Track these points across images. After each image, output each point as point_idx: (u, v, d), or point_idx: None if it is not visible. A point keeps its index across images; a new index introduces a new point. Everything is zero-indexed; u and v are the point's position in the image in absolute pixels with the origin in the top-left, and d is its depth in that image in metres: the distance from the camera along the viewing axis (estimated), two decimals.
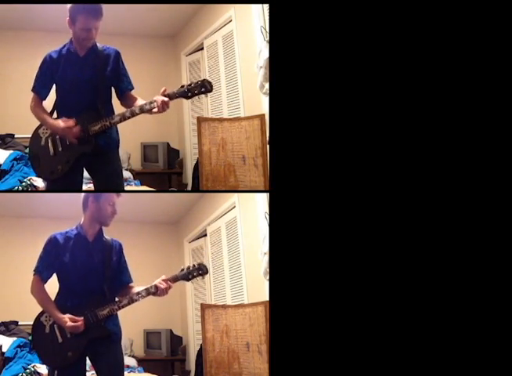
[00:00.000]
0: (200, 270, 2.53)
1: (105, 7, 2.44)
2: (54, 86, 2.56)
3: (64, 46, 2.54)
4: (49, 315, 2.45)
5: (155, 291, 2.46)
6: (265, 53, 2.85)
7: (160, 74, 4.41)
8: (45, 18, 3.86)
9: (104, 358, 2.43)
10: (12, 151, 3.83)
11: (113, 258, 2.51)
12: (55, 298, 2.47)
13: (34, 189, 3.59)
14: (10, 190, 3.62)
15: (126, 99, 2.58)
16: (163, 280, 2.47)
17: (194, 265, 2.56)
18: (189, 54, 4.35)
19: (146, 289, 2.47)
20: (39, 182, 3.59)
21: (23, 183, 3.60)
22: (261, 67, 2.93)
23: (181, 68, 4.46)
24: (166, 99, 2.41)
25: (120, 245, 2.56)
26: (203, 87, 2.45)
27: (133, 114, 2.48)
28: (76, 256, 2.47)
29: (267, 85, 2.85)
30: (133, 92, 2.58)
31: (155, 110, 2.45)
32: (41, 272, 2.47)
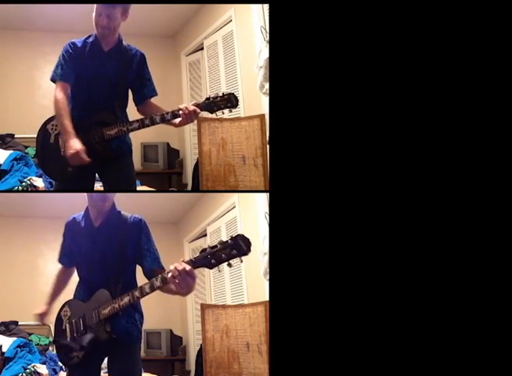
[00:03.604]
0: (229, 103, 2.30)
1: None
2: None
3: (89, 37, 2.43)
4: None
5: (161, 285, 1.99)
6: (265, 53, 2.85)
7: (160, 74, 4.40)
8: (45, 18, 3.86)
9: (118, 362, 2.24)
10: (12, 151, 3.82)
11: (130, 241, 2.24)
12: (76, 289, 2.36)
13: (34, 189, 3.59)
14: (10, 190, 3.62)
15: (145, 105, 2.47)
16: (175, 267, 1.88)
17: (227, 242, 1.83)
18: (189, 54, 4.36)
19: (150, 283, 2.04)
20: (39, 182, 3.60)
21: (23, 183, 3.60)
22: (261, 67, 2.93)
23: (181, 68, 4.46)
24: (197, 109, 2.30)
25: (139, 223, 2.27)
26: (230, 102, 2.35)
27: (153, 123, 2.35)
28: (81, 244, 2.30)
29: (267, 85, 2.85)
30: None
31: (178, 120, 2.33)
32: (62, 260, 2.40)
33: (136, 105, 2.50)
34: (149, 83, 2.49)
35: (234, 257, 1.81)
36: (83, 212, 2.36)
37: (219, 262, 1.82)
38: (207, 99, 2.36)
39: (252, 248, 1.83)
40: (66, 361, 2.32)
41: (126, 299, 2.12)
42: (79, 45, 2.41)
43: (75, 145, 2.30)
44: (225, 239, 1.84)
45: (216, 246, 1.84)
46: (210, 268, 1.84)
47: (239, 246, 1.80)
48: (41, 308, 2.42)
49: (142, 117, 2.41)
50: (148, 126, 2.36)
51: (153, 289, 2.04)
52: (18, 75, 4.19)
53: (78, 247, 2.32)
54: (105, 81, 2.39)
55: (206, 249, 1.85)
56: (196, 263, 1.87)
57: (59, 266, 2.44)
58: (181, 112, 2.31)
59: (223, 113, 2.38)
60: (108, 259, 2.24)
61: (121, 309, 2.14)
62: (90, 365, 2.28)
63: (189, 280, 1.88)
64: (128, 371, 2.24)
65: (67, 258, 2.39)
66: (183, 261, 1.89)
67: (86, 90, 2.40)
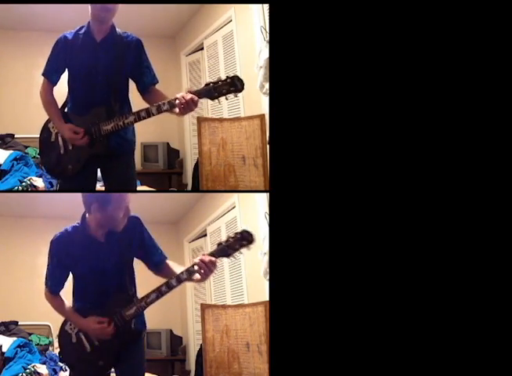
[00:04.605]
0: (245, 240, 2.15)
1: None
2: (66, 76, 2.37)
3: (81, 28, 2.34)
4: (72, 322, 2.23)
5: (188, 277, 2.14)
6: (265, 53, 2.84)
7: (160, 74, 4.40)
8: (45, 18, 3.86)
9: (128, 359, 2.22)
10: (12, 151, 3.82)
11: (135, 246, 2.24)
12: (72, 302, 2.28)
13: (34, 189, 3.59)
14: (10, 190, 3.62)
15: (150, 94, 2.35)
16: (201, 260, 2.11)
17: (236, 235, 2.14)
18: (189, 54, 4.35)
19: (177, 277, 2.15)
20: (39, 182, 3.60)
21: (23, 183, 3.60)
22: (261, 67, 2.93)
23: (181, 68, 4.46)
24: (194, 97, 2.14)
25: (140, 223, 2.25)
26: (233, 86, 2.18)
27: (149, 115, 2.22)
28: (86, 257, 2.20)
29: (267, 85, 2.85)
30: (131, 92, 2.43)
31: (176, 110, 2.20)
32: (52, 286, 2.26)
33: (141, 95, 2.40)
34: (148, 70, 2.38)
35: (244, 246, 2.14)
36: (72, 227, 2.26)
37: (235, 251, 2.14)
38: (207, 84, 2.21)
39: (253, 246, 2.21)
40: (90, 374, 2.23)
41: (153, 296, 2.17)
42: (69, 37, 2.34)
43: (66, 130, 2.31)
44: (232, 234, 2.18)
45: (228, 240, 2.14)
46: (228, 257, 2.15)
47: (246, 238, 2.14)
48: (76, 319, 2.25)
49: (138, 109, 2.30)
50: (144, 118, 2.24)
51: (180, 282, 2.16)
52: (18, 75, 4.18)
53: (82, 261, 2.22)
54: (100, 73, 2.30)
55: (221, 243, 2.15)
56: (215, 255, 2.14)
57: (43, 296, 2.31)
58: (177, 101, 2.18)
59: (227, 98, 2.22)
60: (121, 264, 2.23)
61: (148, 306, 2.18)
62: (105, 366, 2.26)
63: (213, 269, 2.13)
64: (138, 366, 2.27)
65: (63, 281, 2.26)
66: (205, 254, 2.14)
67: (82, 84, 2.33)
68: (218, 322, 3.41)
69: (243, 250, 2.16)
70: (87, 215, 2.23)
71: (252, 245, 2.16)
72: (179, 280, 2.16)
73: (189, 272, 2.15)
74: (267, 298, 2.85)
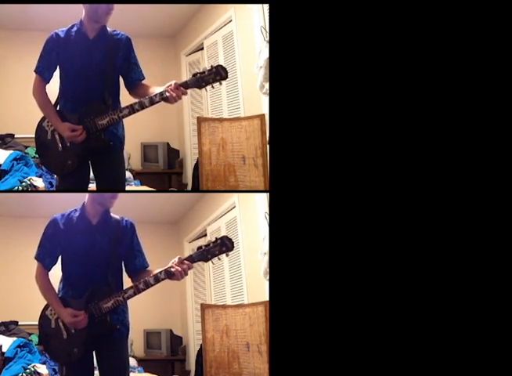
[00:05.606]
0: (224, 246, 2.26)
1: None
2: (58, 73, 2.41)
3: (73, 26, 2.39)
4: (52, 308, 2.33)
5: (165, 277, 2.25)
6: (265, 53, 2.85)
7: (160, 74, 4.40)
8: (44, 18, 3.86)
9: (107, 357, 2.31)
10: (12, 151, 3.82)
11: (123, 241, 2.36)
12: (59, 288, 2.36)
13: (34, 189, 3.59)
14: (10, 190, 3.62)
15: (137, 89, 2.43)
16: (178, 263, 2.25)
17: (216, 240, 2.27)
18: (189, 54, 4.35)
19: (154, 276, 2.27)
20: (39, 182, 3.59)
21: (23, 183, 3.60)
22: (261, 67, 2.93)
23: (181, 68, 4.46)
24: (183, 89, 2.29)
25: (132, 225, 2.39)
26: (218, 74, 2.32)
27: (143, 107, 2.32)
28: (77, 241, 2.33)
29: (267, 85, 2.85)
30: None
31: (167, 100, 2.31)
32: (43, 260, 2.36)
33: (128, 90, 2.47)
34: (136, 66, 2.45)
35: (223, 252, 2.26)
36: (71, 211, 2.39)
37: (213, 256, 2.27)
38: (194, 75, 2.36)
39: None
40: (64, 359, 2.32)
41: (131, 291, 2.28)
42: (62, 35, 2.39)
43: (64, 130, 2.36)
44: (213, 239, 2.30)
45: (209, 244, 2.27)
46: (206, 261, 2.28)
47: (226, 244, 2.27)
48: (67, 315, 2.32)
49: (131, 103, 2.38)
50: (138, 111, 2.34)
51: (157, 281, 2.27)
52: (18, 75, 4.18)
53: (71, 245, 2.34)
54: (93, 69, 2.36)
55: (201, 247, 2.29)
56: (194, 258, 2.29)
57: (31, 270, 2.40)
58: (167, 94, 2.30)
59: (213, 87, 2.35)
60: (105, 256, 2.32)
61: (125, 301, 2.30)
62: (86, 360, 2.32)
63: (187, 273, 2.27)
64: (121, 364, 2.34)
65: (50, 257, 2.37)
66: (181, 258, 2.27)
67: (75, 81, 2.38)
68: (218, 322, 3.40)
69: (222, 256, 2.28)
70: (86, 198, 2.37)
71: (231, 252, 2.28)
72: (157, 279, 2.28)
73: (167, 273, 2.26)
74: (267, 298, 2.85)
